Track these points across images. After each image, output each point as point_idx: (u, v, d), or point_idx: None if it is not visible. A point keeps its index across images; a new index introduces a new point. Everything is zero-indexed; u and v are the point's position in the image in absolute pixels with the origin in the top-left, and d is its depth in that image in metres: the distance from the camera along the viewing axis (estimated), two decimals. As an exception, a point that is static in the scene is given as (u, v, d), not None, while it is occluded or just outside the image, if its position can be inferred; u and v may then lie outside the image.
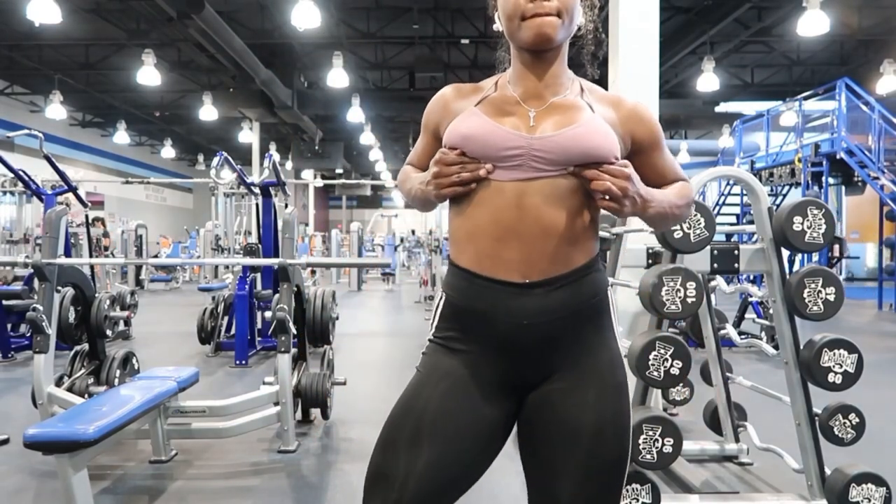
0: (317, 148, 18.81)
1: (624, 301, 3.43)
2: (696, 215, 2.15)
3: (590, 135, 1.14)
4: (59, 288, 3.29)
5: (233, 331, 6.14)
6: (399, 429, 1.18)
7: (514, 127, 1.16)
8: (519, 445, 1.25)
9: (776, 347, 2.48)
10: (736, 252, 2.40)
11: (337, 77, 11.24)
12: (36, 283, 3.24)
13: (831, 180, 11.49)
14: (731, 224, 11.56)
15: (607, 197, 1.10)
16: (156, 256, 16.04)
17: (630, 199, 1.11)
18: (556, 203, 1.14)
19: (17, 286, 5.98)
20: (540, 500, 1.21)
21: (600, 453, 1.16)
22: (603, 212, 1.16)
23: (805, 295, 2.22)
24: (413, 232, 19.29)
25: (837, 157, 10.44)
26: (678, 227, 2.14)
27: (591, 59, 1.33)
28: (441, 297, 1.26)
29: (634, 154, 1.24)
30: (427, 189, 1.22)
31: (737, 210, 13.37)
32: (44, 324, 3.06)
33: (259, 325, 6.20)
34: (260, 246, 6.04)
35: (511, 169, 1.14)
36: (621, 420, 1.18)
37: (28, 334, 6.05)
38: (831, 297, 2.22)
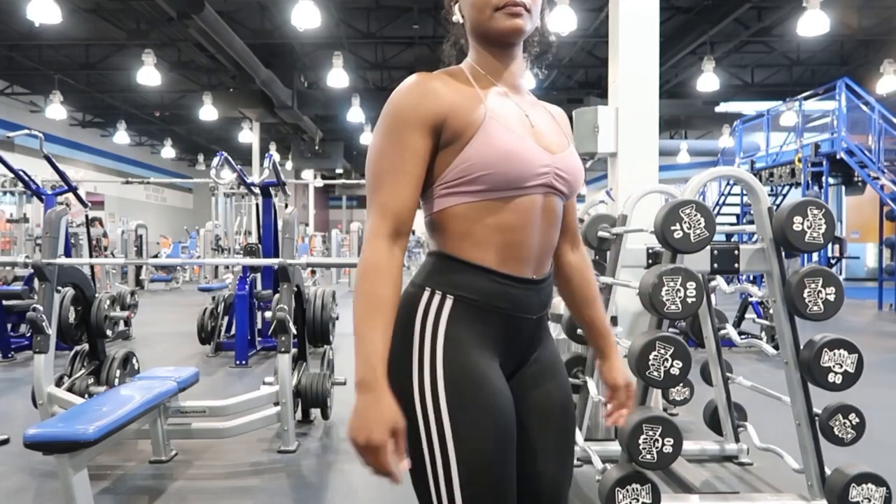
0: (317, 148, 18.82)
1: (624, 301, 3.44)
2: (696, 215, 2.15)
3: (579, 161, 1.26)
4: (59, 288, 3.29)
5: (233, 331, 6.14)
6: (500, 469, 1.11)
7: (533, 141, 1.19)
8: None
9: (776, 347, 2.48)
10: (736, 252, 2.40)
11: (337, 77, 11.24)
12: (36, 283, 3.25)
13: (831, 180, 11.50)
14: (731, 224, 11.56)
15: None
16: (156, 256, 16.04)
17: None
18: (557, 208, 1.24)
19: (17, 286, 5.98)
20: (519, 480, 1.18)
21: (568, 425, 1.28)
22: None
23: (805, 295, 2.22)
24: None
25: (837, 157, 10.43)
26: (678, 227, 2.13)
27: (539, 59, 1.34)
28: (439, 298, 1.14)
29: None
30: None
31: (737, 210, 13.38)
32: (44, 324, 3.06)
33: (259, 325, 6.20)
34: (260, 246, 6.04)
35: (537, 187, 1.17)
36: (570, 394, 1.32)
37: (28, 334, 6.05)
38: (831, 297, 2.21)
